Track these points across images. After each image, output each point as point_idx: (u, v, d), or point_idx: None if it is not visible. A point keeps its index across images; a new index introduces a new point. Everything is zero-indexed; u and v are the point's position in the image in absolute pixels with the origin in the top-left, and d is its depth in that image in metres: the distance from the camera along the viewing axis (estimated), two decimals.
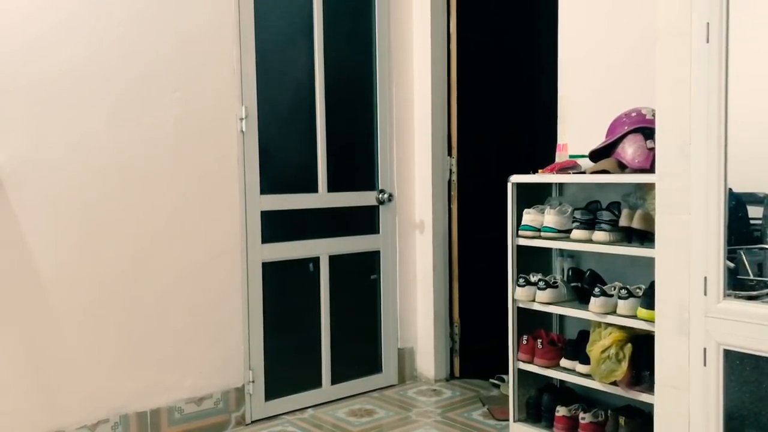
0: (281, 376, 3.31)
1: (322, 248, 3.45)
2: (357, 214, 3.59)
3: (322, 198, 3.44)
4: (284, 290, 3.35)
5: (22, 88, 2.57)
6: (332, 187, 3.46)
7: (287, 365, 3.36)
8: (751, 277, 1.95)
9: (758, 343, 1.79)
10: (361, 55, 3.62)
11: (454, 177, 3.77)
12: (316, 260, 3.43)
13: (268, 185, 3.24)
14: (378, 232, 3.66)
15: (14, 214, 2.56)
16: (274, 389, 3.28)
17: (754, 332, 1.79)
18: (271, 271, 3.26)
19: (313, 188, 3.41)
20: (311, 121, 3.39)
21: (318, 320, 3.44)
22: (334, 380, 3.49)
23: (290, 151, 3.39)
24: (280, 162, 3.32)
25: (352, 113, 3.61)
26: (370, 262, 3.66)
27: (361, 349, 3.66)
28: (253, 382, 3.19)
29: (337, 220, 3.52)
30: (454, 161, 3.77)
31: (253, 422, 3.19)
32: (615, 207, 2.63)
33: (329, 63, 3.41)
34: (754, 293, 1.90)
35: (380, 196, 3.62)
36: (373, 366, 3.69)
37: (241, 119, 3.11)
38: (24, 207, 2.58)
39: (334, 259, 3.48)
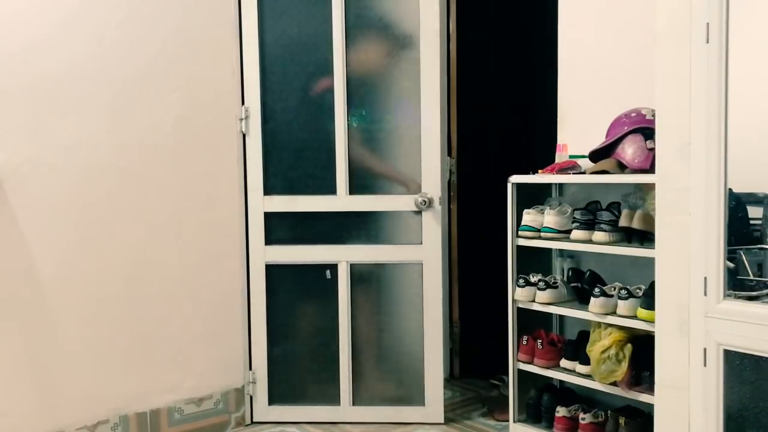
0: (284, 382, 3.23)
1: (337, 254, 3.16)
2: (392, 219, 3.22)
3: (341, 200, 3.14)
4: (288, 295, 3.23)
5: (22, 89, 2.57)
6: (352, 190, 3.14)
7: (289, 370, 3.25)
8: (751, 277, 1.95)
9: (758, 343, 1.79)
10: None
11: (454, 177, 3.77)
12: (333, 266, 3.16)
13: (271, 186, 3.16)
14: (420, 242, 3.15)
15: (14, 214, 2.56)
16: (276, 394, 3.22)
17: (754, 332, 1.79)
18: (276, 274, 3.19)
19: (328, 190, 3.14)
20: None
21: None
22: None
23: (294, 152, 3.19)
24: (284, 163, 3.18)
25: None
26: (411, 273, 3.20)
27: None
28: (253, 382, 3.18)
29: (356, 225, 3.19)
30: (454, 161, 3.77)
31: (253, 423, 3.19)
32: (615, 207, 2.63)
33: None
34: (754, 293, 1.90)
35: (419, 200, 3.10)
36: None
37: (241, 120, 3.11)
38: (24, 207, 2.58)
39: (353, 267, 3.17)
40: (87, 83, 2.71)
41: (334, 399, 3.20)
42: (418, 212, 3.13)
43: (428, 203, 3.09)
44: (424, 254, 3.14)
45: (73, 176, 2.69)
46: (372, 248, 3.18)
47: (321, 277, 3.18)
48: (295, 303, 3.26)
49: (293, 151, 3.18)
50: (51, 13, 2.62)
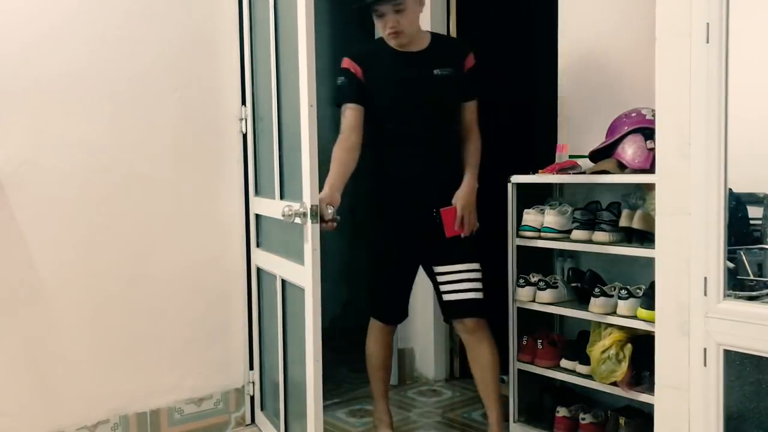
0: (264, 392, 3.13)
1: (275, 266, 2.79)
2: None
3: (276, 205, 2.65)
4: (269, 302, 3.00)
5: (23, 89, 2.56)
6: (282, 193, 2.70)
7: (268, 382, 3.08)
8: (751, 277, 1.95)
9: (758, 343, 1.79)
10: None
11: None
12: (274, 278, 2.79)
13: (258, 187, 3.07)
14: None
15: (14, 215, 2.56)
16: (264, 402, 3.15)
17: (754, 332, 1.79)
18: (262, 278, 3.08)
19: (272, 193, 2.78)
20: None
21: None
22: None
23: (266, 152, 2.93)
24: (263, 162, 3.01)
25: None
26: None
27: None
28: (253, 383, 3.18)
29: (287, 234, 2.61)
30: None
31: (253, 423, 3.19)
32: (615, 207, 2.63)
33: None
34: (754, 293, 1.90)
35: (285, 210, 2.30)
36: None
37: (241, 120, 3.10)
38: (24, 207, 2.58)
39: (284, 283, 2.70)
40: (87, 83, 2.71)
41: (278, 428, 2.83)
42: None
43: (301, 215, 2.25)
44: (305, 278, 2.33)
45: (73, 176, 2.68)
46: (287, 264, 2.60)
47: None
48: (273, 313, 2.92)
49: (266, 152, 2.92)
50: (51, 14, 2.62)
